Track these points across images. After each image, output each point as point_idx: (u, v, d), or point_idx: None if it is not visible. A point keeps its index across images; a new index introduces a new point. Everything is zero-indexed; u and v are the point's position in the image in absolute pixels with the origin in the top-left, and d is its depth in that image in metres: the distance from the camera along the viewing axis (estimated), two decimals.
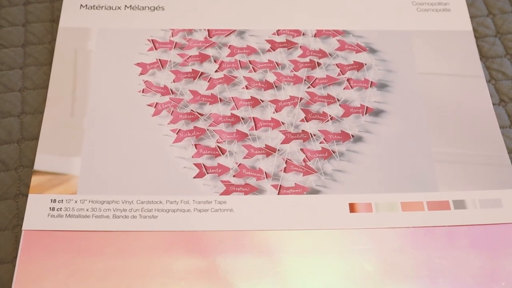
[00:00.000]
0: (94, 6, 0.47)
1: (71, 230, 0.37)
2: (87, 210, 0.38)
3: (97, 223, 0.37)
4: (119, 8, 0.47)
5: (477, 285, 0.36)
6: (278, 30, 0.46)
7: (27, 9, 0.47)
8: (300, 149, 0.41)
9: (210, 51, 0.45)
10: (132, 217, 0.38)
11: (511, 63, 0.46)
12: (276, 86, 0.44)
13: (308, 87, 0.44)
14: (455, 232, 0.38)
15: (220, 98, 0.43)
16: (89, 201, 0.38)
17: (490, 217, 0.38)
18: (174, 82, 0.44)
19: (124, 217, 0.38)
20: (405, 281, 0.36)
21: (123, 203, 0.38)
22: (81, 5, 0.47)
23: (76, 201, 0.38)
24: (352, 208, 0.39)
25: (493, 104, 0.45)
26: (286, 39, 0.46)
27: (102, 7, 0.47)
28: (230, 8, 0.47)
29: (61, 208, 0.38)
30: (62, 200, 0.38)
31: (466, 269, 0.36)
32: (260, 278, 0.36)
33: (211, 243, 0.37)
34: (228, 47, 0.46)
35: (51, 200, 0.38)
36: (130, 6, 0.47)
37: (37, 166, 0.40)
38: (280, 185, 0.40)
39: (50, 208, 0.38)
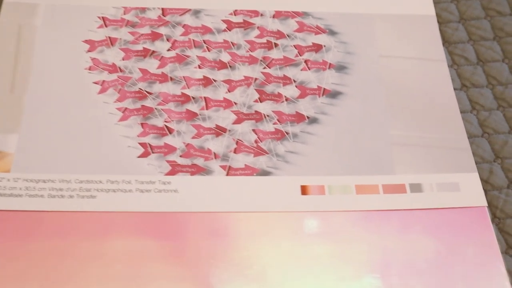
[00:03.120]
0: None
1: (2, 210, 0.35)
2: (20, 188, 0.35)
3: (30, 202, 0.35)
4: None
5: (431, 269, 0.34)
6: (235, 10, 0.45)
7: None
8: (252, 129, 0.39)
9: (163, 30, 0.44)
10: (69, 196, 0.36)
11: (474, 49, 0.45)
12: (230, 66, 0.42)
13: (264, 68, 0.42)
14: (411, 216, 0.36)
15: (170, 77, 0.41)
16: (23, 180, 0.36)
17: (447, 201, 0.37)
18: (123, 60, 0.42)
19: (60, 196, 0.35)
20: (358, 265, 0.34)
21: (60, 182, 0.36)
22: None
23: (8, 179, 0.36)
24: (304, 190, 0.37)
25: (455, 89, 0.43)
26: (243, 20, 0.44)
27: None
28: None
29: None
30: None
31: (420, 253, 0.35)
32: (206, 261, 0.34)
33: (153, 224, 0.35)
34: (182, 26, 0.44)
35: None
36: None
37: None
38: (229, 166, 0.38)
39: None
